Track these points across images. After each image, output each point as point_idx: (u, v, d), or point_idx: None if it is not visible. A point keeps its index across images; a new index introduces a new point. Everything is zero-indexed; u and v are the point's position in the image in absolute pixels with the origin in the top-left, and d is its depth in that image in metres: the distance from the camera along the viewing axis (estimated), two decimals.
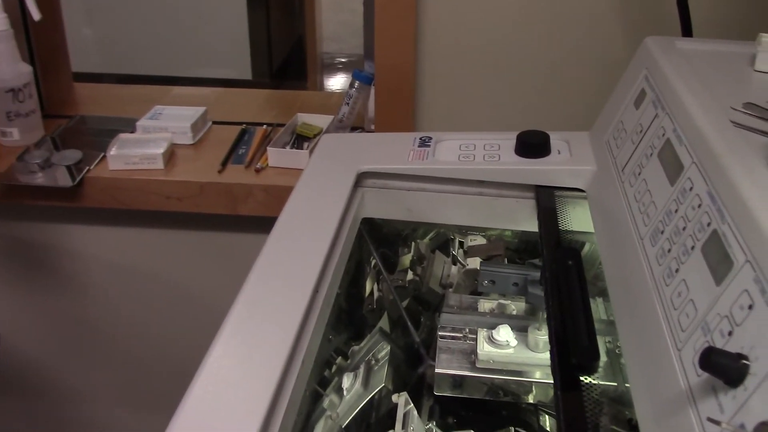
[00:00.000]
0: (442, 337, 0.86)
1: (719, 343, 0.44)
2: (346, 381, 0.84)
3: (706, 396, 0.43)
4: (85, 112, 1.44)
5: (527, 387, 0.82)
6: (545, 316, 0.85)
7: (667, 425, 0.46)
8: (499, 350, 0.82)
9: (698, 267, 0.51)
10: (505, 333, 0.82)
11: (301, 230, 0.76)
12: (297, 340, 0.60)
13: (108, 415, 1.53)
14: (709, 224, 0.52)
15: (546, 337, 0.82)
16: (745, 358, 0.41)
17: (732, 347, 0.43)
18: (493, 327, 0.83)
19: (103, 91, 1.59)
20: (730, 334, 0.44)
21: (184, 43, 2.83)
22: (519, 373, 0.81)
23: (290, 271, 0.69)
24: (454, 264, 1.00)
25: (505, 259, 1.02)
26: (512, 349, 0.82)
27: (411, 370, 0.91)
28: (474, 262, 1.00)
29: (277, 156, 1.18)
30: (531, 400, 0.84)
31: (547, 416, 0.86)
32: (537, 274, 0.86)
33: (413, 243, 1.03)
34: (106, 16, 2.78)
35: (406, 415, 0.68)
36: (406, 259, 1.03)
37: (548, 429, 0.84)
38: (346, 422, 0.77)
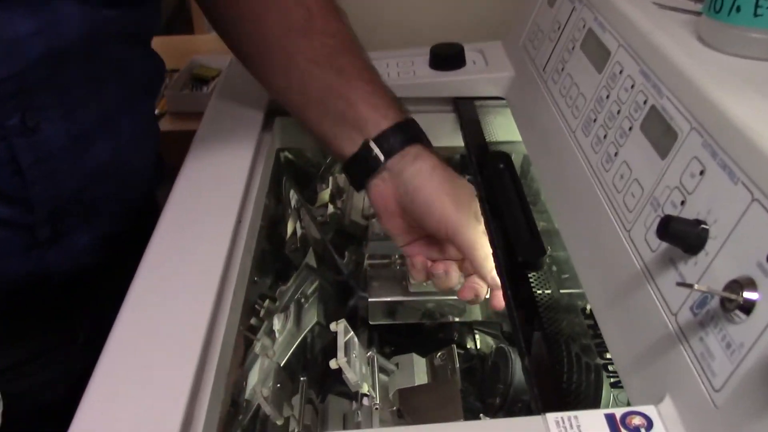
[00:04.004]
0: (372, 265, 0.83)
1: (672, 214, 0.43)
2: (277, 322, 0.81)
3: (664, 269, 0.42)
4: None
5: (461, 306, 0.81)
6: None
7: (624, 306, 0.45)
8: None
9: (639, 145, 0.49)
10: None
11: (215, 164, 0.70)
12: (224, 275, 0.56)
13: None
14: (645, 102, 0.50)
15: None
16: (703, 222, 0.40)
17: (686, 216, 0.41)
18: None
19: None
20: (682, 203, 0.42)
21: None
22: (453, 292, 0.80)
23: (208, 204, 0.64)
24: None
25: None
26: None
27: (342, 305, 0.88)
28: None
29: (175, 100, 1.11)
30: (466, 319, 0.83)
31: (483, 335, 0.86)
32: None
33: (330, 177, 0.99)
34: None
35: (347, 343, 0.65)
36: (325, 194, 0.99)
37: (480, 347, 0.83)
38: (284, 361, 0.74)
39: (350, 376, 0.63)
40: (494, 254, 0.56)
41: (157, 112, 1.13)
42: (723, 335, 0.36)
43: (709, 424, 0.35)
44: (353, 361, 0.64)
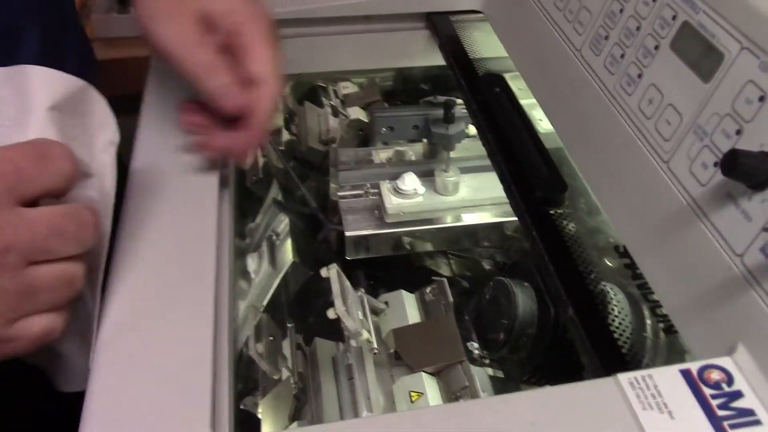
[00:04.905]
0: (343, 197, 0.78)
1: (725, 145, 0.40)
2: (251, 263, 0.76)
3: (721, 206, 0.39)
4: None
5: (434, 232, 0.78)
6: (451, 156, 0.79)
7: (671, 247, 0.42)
8: (407, 200, 0.76)
9: (671, 67, 0.45)
10: (410, 181, 0.76)
11: (170, 97, 0.63)
12: (219, 227, 0.50)
13: None
14: (674, 17, 0.46)
15: (455, 179, 0.76)
16: None
17: (745, 146, 0.38)
18: (395, 177, 0.76)
19: None
20: (738, 133, 0.39)
21: None
22: (431, 221, 0.76)
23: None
24: (335, 116, 0.91)
25: (385, 104, 0.94)
26: (421, 197, 0.76)
27: (314, 239, 0.83)
28: (354, 112, 0.91)
29: (104, 25, 1.00)
30: (443, 248, 0.80)
31: (459, 260, 0.83)
32: (439, 113, 0.79)
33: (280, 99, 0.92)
34: None
35: (341, 289, 0.61)
36: (277, 118, 0.92)
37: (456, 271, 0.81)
38: (265, 302, 0.70)
39: (349, 324, 0.59)
40: (508, 191, 0.52)
41: None
42: None
43: None
44: (350, 307, 0.60)
